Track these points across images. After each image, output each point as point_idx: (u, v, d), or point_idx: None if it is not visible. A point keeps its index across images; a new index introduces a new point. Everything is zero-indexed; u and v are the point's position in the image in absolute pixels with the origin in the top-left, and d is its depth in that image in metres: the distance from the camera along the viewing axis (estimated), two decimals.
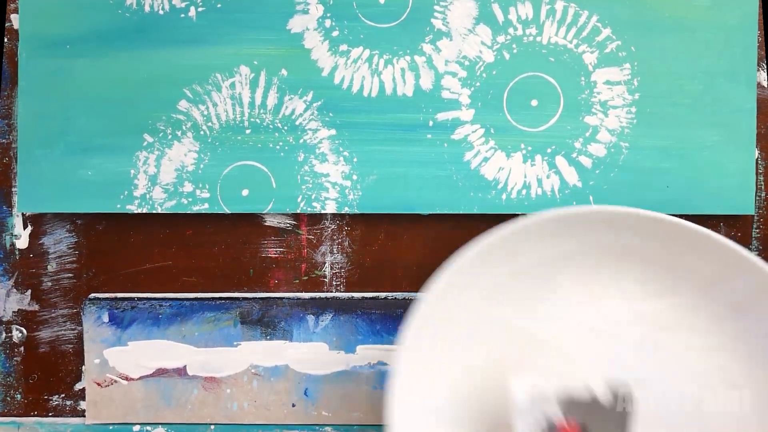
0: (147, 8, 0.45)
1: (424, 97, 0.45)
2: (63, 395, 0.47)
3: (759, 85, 0.45)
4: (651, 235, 0.40)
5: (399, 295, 0.46)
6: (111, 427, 0.47)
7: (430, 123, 0.45)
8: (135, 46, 0.45)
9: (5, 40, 0.46)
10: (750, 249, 0.46)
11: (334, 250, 0.47)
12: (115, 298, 0.47)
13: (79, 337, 0.47)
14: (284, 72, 0.45)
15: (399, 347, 0.40)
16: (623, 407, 0.37)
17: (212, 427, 0.47)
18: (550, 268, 0.42)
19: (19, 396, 0.47)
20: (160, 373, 0.47)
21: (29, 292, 0.47)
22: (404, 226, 0.46)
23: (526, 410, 0.36)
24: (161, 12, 0.45)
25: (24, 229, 0.47)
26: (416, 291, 0.47)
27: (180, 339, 0.47)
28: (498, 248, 0.41)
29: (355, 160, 0.45)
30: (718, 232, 0.46)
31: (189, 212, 0.46)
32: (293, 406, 0.47)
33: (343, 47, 0.45)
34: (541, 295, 0.43)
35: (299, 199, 0.45)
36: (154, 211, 0.45)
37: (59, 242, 0.47)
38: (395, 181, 0.45)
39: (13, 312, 0.47)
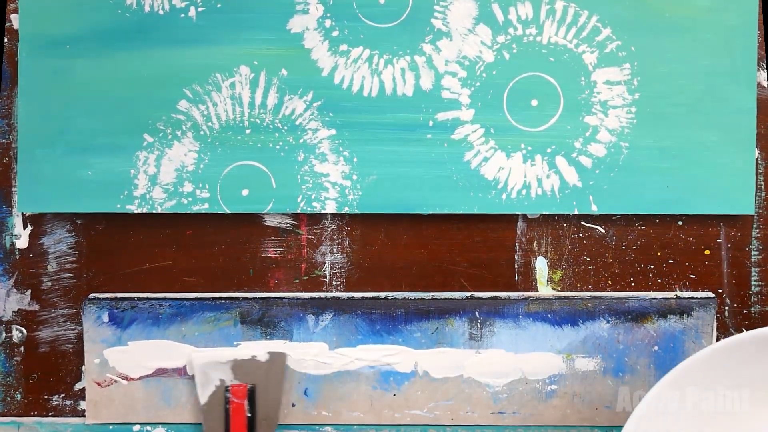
0: (147, 8, 0.45)
1: (424, 97, 0.45)
2: (63, 395, 0.47)
3: (759, 85, 0.45)
4: None
5: (399, 295, 0.46)
6: (111, 427, 0.47)
7: (430, 123, 0.45)
8: (135, 46, 0.45)
9: (5, 40, 0.46)
10: (750, 249, 0.46)
11: (334, 250, 0.47)
12: (115, 298, 0.47)
13: (79, 337, 0.47)
14: (284, 72, 0.45)
15: None
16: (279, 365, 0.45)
17: None
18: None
19: (19, 396, 0.47)
20: (160, 373, 0.47)
21: (29, 292, 0.47)
22: (404, 226, 0.46)
23: (204, 376, 0.43)
24: (161, 12, 0.45)
25: (24, 228, 0.47)
26: (416, 291, 0.47)
27: (180, 339, 0.47)
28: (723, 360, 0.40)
29: (355, 160, 0.45)
30: (718, 232, 0.46)
31: (189, 212, 0.46)
32: (293, 406, 0.47)
33: (343, 47, 0.45)
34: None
35: (299, 199, 0.45)
36: (154, 211, 0.45)
37: (59, 242, 0.47)
38: (395, 181, 0.45)
39: (13, 312, 0.47)
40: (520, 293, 0.46)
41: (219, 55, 0.45)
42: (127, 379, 0.47)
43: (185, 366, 0.47)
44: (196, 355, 0.43)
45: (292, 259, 0.47)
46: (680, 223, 0.46)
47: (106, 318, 0.47)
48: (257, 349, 0.46)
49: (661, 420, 0.40)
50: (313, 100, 0.45)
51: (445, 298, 0.46)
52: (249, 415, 0.42)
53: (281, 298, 0.47)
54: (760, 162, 0.46)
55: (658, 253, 0.46)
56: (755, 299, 0.46)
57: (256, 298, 0.47)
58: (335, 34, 0.45)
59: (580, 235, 0.46)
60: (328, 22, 0.45)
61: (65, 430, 0.47)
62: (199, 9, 0.45)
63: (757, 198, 0.46)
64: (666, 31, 0.44)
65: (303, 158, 0.45)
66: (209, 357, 0.44)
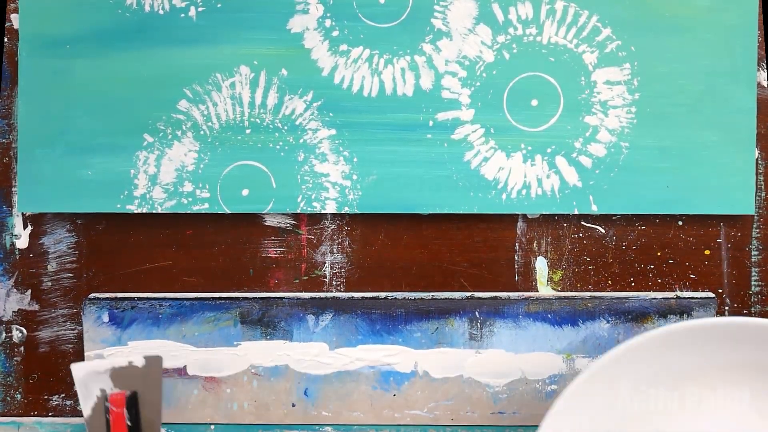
0: (147, 8, 0.45)
1: (424, 97, 0.45)
2: (63, 395, 0.47)
3: (759, 85, 0.45)
4: None
5: (399, 295, 0.46)
6: None
7: (430, 123, 0.45)
8: (135, 46, 0.45)
9: (5, 40, 0.46)
10: (750, 249, 0.46)
11: (334, 250, 0.47)
12: (115, 298, 0.47)
13: (79, 337, 0.47)
14: (284, 72, 0.45)
15: None
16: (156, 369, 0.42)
17: (212, 427, 0.47)
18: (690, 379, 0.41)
19: (19, 396, 0.47)
20: None
21: (29, 292, 0.47)
22: (404, 226, 0.46)
23: (85, 388, 0.42)
24: (161, 12, 0.45)
25: (24, 228, 0.47)
26: (416, 291, 0.47)
27: (180, 339, 0.47)
28: (629, 358, 0.40)
29: (355, 159, 0.45)
30: (718, 232, 0.46)
31: (189, 212, 0.46)
32: (293, 406, 0.47)
33: (343, 47, 0.45)
34: (666, 409, 0.42)
35: (299, 199, 0.45)
36: (154, 211, 0.45)
37: (59, 242, 0.47)
38: (395, 181, 0.45)
39: (13, 312, 0.47)
40: (520, 293, 0.46)
41: (219, 55, 0.45)
42: None
43: (185, 366, 0.47)
44: (75, 367, 0.43)
45: (292, 259, 0.47)
46: (680, 223, 0.46)
47: (106, 318, 0.47)
48: (133, 354, 0.46)
49: (578, 416, 0.40)
50: (313, 100, 0.45)
51: (445, 298, 0.46)
52: (129, 423, 0.41)
53: (281, 298, 0.47)
54: (760, 162, 0.46)
55: (658, 253, 0.46)
56: (755, 299, 0.46)
57: (256, 298, 0.47)
58: (335, 33, 0.45)
59: (580, 235, 0.46)
60: (328, 22, 0.45)
61: (65, 430, 0.47)
62: (199, 9, 0.45)
63: (757, 198, 0.46)
64: (666, 31, 0.44)
65: (303, 158, 0.45)
66: (87, 368, 0.43)
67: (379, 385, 0.46)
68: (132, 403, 0.42)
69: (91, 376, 0.42)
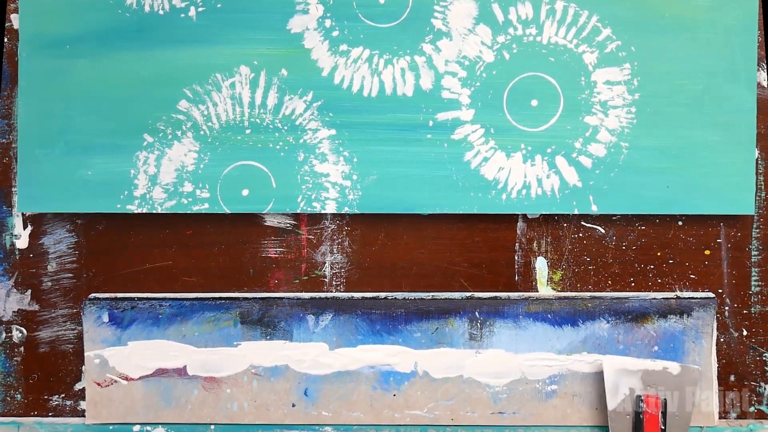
0: (147, 8, 0.45)
1: (424, 97, 0.45)
2: (63, 395, 0.47)
3: (759, 85, 0.45)
4: None
5: (399, 295, 0.46)
6: (111, 427, 0.47)
7: (430, 123, 0.45)
8: (135, 46, 0.45)
9: (5, 40, 0.46)
10: (750, 249, 0.46)
11: (334, 250, 0.47)
12: (115, 298, 0.47)
13: (79, 337, 0.47)
14: (284, 72, 0.45)
15: None
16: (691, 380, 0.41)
17: (212, 427, 0.47)
18: None
19: (19, 396, 0.47)
20: (160, 373, 0.47)
21: (29, 292, 0.47)
22: (404, 226, 0.46)
23: (614, 387, 0.42)
24: (161, 12, 0.45)
25: (24, 229, 0.47)
26: (416, 291, 0.47)
27: (180, 339, 0.47)
28: None
29: (355, 160, 0.45)
30: (718, 232, 0.46)
31: (189, 212, 0.46)
32: (293, 406, 0.47)
33: (343, 47, 0.45)
34: None
35: (299, 199, 0.45)
36: (154, 211, 0.45)
37: (59, 242, 0.47)
38: (395, 181, 0.45)
39: (13, 312, 0.47)
40: (520, 293, 0.46)
41: (219, 55, 0.45)
42: (127, 379, 0.47)
43: (185, 366, 0.47)
44: (608, 360, 0.43)
45: (292, 259, 0.47)
46: (680, 223, 0.46)
47: (106, 318, 0.47)
48: (669, 362, 0.45)
49: None
50: (313, 100, 0.45)
51: (445, 298, 0.46)
52: (663, 428, 0.43)
53: (281, 298, 0.47)
54: (760, 162, 0.46)
55: (658, 253, 0.46)
56: (755, 299, 0.46)
57: (256, 298, 0.47)
58: (335, 34, 0.45)
59: (580, 235, 0.46)
60: (328, 22, 0.45)
61: (65, 430, 0.47)
62: (199, 9, 0.45)
63: (757, 198, 0.46)
64: (666, 31, 0.44)
65: (303, 158, 0.45)
66: (620, 364, 0.44)
67: (379, 385, 0.46)
68: (664, 409, 0.42)
69: (623, 373, 0.44)
